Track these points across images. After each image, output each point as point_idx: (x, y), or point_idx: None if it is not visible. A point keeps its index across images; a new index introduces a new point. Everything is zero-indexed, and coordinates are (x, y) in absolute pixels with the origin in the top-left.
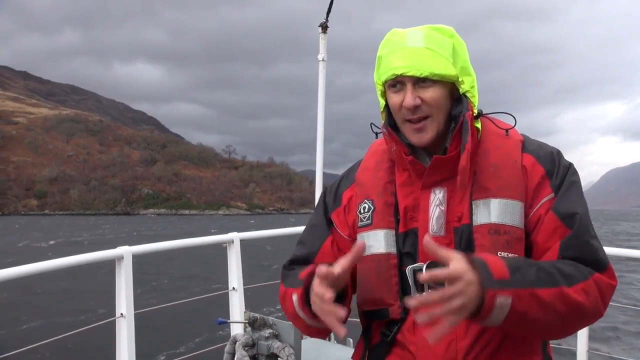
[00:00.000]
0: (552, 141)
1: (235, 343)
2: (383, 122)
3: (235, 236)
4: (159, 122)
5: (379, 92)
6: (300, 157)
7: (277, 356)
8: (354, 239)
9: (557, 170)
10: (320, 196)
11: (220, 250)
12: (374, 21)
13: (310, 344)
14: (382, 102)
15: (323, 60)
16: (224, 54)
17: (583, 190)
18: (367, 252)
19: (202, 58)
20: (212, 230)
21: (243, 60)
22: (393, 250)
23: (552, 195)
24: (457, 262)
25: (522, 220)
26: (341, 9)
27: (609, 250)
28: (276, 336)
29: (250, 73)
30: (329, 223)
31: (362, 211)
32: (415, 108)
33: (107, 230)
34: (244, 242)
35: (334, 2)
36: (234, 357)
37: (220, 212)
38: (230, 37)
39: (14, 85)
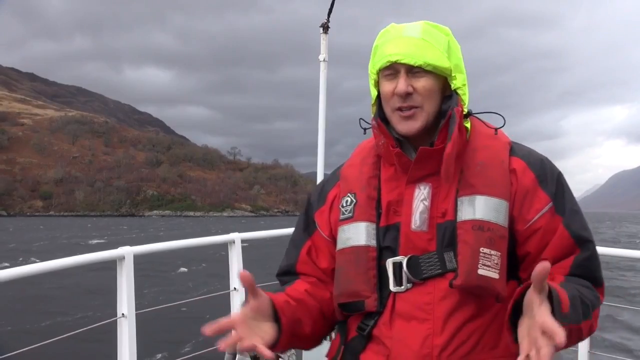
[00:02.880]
0: (559, 144)
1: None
2: (373, 115)
3: (237, 236)
4: (164, 124)
5: (372, 82)
6: (305, 159)
7: (278, 356)
8: (333, 239)
9: (548, 177)
10: (307, 198)
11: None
12: (379, 26)
13: None
14: (375, 92)
15: (324, 60)
16: (231, 58)
17: (590, 193)
18: (347, 245)
19: (210, 62)
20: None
21: (250, 64)
22: (373, 243)
23: (551, 204)
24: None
25: (506, 220)
26: (347, 15)
27: (622, 252)
28: None
29: (256, 76)
30: (312, 224)
31: (344, 204)
32: (406, 95)
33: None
34: (245, 242)
35: (335, 3)
36: (235, 357)
37: (225, 213)
38: (238, 42)
39: (20, 86)
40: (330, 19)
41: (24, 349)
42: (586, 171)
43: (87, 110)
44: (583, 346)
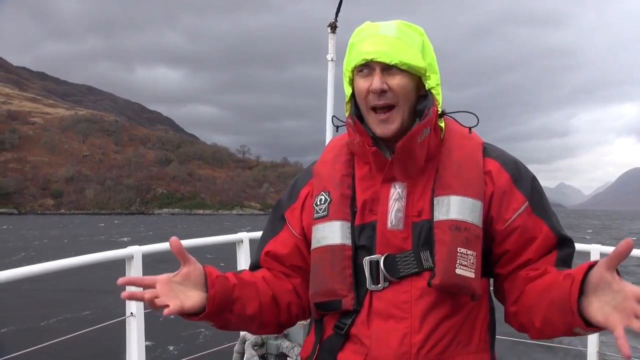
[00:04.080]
0: (569, 141)
1: (244, 342)
2: (347, 113)
3: (245, 236)
4: (174, 122)
5: (346, 80)
6: (314, 157)
7: (286, 356)
8: (304, 237)
9: (522, 177)
10: (278, 198)
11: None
12: None
13: None
14: (349, 91)
15: (332, 60)
16: (241, 58)
17: (600, 191)
18: (322, 243)
19: (220, 61)
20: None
21: (259, 63)
22: (348, 242)
23: (527, 203)
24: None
25: (480, 220)
26: (356, 16)
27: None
28: (285, 336)
29: (266, 75)
30: (280, 222)
31: (318, 203)
32: (382, 92)
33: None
34: (253, 242)
35: (342, 3)
36: (243, 356)
37: (234, 212)
38: (248, 41)
39: (31, 85)
40: (337, 18)
41: (35, 347)
42: (597, 169)
43: (98, 109)
44: (591, 346)
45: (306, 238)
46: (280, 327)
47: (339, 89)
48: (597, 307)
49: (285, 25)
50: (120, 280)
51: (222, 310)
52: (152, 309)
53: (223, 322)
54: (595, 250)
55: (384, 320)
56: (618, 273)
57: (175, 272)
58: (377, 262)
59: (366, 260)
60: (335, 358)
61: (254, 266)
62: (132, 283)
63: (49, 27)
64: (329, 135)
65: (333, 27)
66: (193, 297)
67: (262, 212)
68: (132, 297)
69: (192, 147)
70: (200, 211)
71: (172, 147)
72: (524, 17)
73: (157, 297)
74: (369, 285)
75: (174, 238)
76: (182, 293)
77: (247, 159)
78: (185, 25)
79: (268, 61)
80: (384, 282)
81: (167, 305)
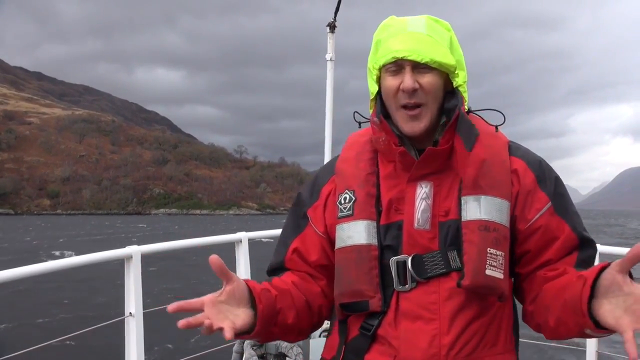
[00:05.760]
0: (566, 142)
1: (243, 342)
2: (372, 110)
3: (244, 235)
4: (171, 122)
5: (373, 78)
6: (312, 157)
7: (285, 355)
8: (327, 236)
9: (546, 177)
10: (297, 195)
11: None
12: None
13: (318, 344)
14: (375, 89)
15: (331, 59)
16: (239, 59)
17: (597, 190)
18: (348, 243)
19: (218, 63)
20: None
21: (258, 64)
22: (374, 241)
23: (550, 204)
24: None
25: (508, 220)
26: (355, 17)
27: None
28: None
29: (264, 76)
30: (303, 220)
31: (342, 202)
32: (413, 91)
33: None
34: (252, 242)
35: (341, 3)
36: (242, 356)
37: (231, 212)
38: (246, 43)
39: (28, 85)
40: (336, 18)
41: (34, 347)
42: (594, 169)
43: (95, 109)
44: (591, 345)
45: (329, 237)
46: (312, 330)
47: (338, 88)
48: (607, 310)
49: (283, 26)
50: (171, 309)
51: (269, 324)
52: (208, 334)
53: (268, 335)
54: (600, 251)
55: (411, 321)
56: (631, 276)
57: (220, 291)
58: (404, 262)
59: (393, 261)
60: (362, 359)
61: (278, 267)
62: (183, 309)
63: (49, 30)
64: (328, 134)
65: (332, 27)
66: (241, 316)
67: (259, 212)
68: (190, 326)
69: (189, 147)
70: (198, 211)
71: (169, 147)
72: (520, 20)
73: (206, 320)
74: (396, 285)
75: (214, 256)
76: (230, 313)
77: (245, 159)
78: (185, 27)
79: (266, 62)
80: (411, 282)
81: (221, 328)
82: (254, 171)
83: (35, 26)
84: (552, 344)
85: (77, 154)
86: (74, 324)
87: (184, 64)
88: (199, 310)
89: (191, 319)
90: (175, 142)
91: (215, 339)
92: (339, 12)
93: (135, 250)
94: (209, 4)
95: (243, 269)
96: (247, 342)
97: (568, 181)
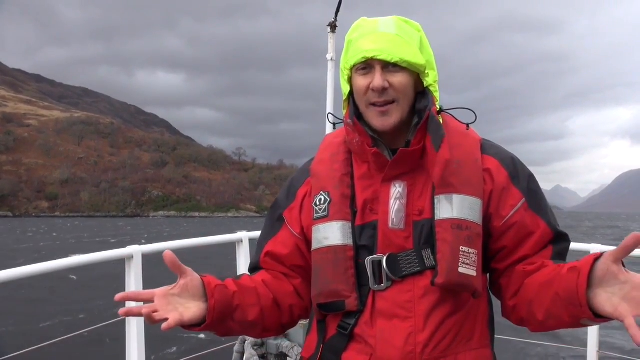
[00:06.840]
0: (565, 144)
1: (244, 342)
2: (345, 111)
3: (244, 235)
4: (170, 124)
5: (345, 78)
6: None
7: (286, 355)
8: (303, 237)
9: (519, 174)
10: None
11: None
12: None
13: None
14: (347, 89)
15: (332, 59)
16: (239, 62)
17: (596, 193)
18: (324, 244)
19: (218, 65)
20: None
21: (257, 67)
22: (350, 242)
23: (524, 200)
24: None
25: (480, 218)
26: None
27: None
28: (285, 336)
29: (263, 79)
30: (278, 222)
31: (317, 203)
32: (382, 90)
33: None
34: (252, 242)
35: (342, 3)
36: (243, 356)
37: (230, 214)
38: (246, 46)
39: (26, 88)
40: (337, 18)
41: (34, 347)
42: (593, 171)
43: (93, 112)
44: (591, 346)
45: (306, 238)
46: (282, 329)
47: (338, 88)
48: (604, 299)
49: (282, 29)
50: (118, 297)
51: (223, 319)
52: (151, 324)
53: (225, 330)
54: (595, 250)
55: (388, 320)
56: (623, 264)
57: (173, 285)
58: (379, 261)
59: (368, 260)
60: (340, 358)
61: (254, 267)
62: (130, 298)
63: (50, 33)
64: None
65: (333, 26)
66: (192, 309)
67: (258, 215)
68: (130, 314)
69: (188, 150)
70: (196, 214)
71: (167, 149)
72: (519, 24)
73: (155, 311)
74: (371, 285)
75: (167, 252)
76: (181, 305)
77: (243, 162)
78: (185, 30)
79: (265, 65)
80: (387, 281)
81: (166, 319)
82: (253, 173)
83: (36, 30)
84: (552, 344)
85: (76, 156)
86: (75, 324)
87: (184, 66)
88: (149, 300)
89: (132, 308)
90: (174, 144)
91: (215, 339)
92: (339, 14)
93: (136, 250)
94: (209, 7)
95: (244, 269)
96: (248, 342)
97: (567, 184)
